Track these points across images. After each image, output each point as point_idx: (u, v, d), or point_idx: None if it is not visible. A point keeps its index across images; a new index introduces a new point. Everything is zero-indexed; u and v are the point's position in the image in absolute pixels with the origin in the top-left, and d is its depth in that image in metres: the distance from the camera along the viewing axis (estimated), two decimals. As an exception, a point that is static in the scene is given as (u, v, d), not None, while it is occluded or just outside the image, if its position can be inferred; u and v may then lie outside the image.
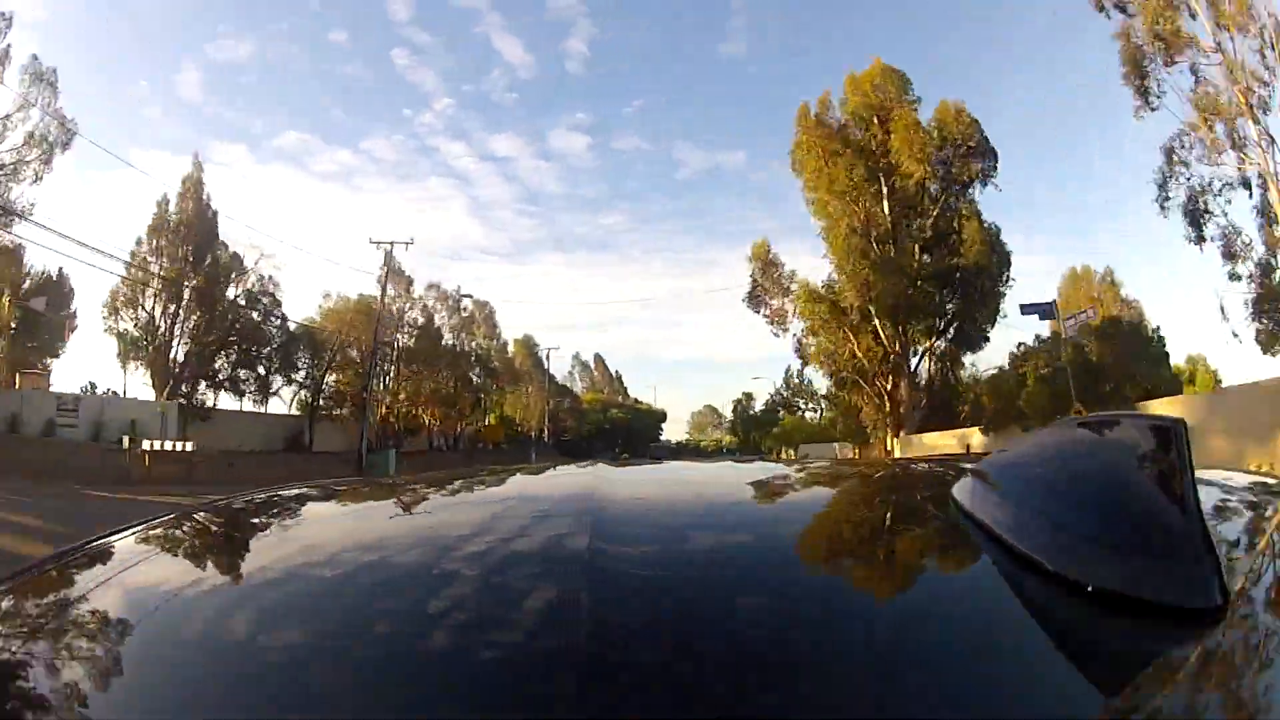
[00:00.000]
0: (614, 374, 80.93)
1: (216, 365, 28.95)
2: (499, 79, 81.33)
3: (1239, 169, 14.71)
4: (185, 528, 0.67)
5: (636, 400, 73.56)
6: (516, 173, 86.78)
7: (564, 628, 0.37)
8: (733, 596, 0.41)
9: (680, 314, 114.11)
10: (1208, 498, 0.40)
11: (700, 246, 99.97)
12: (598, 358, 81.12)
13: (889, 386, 23.10)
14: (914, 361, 24.24)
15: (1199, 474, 0.38)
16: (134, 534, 0.63)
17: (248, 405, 31.39)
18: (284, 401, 33.47)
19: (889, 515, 0.61)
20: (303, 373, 33.56)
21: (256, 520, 0.69)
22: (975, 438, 18.99)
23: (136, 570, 0.55)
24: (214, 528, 0.68)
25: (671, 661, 0.34)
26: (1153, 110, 15.77)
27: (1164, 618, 0.34)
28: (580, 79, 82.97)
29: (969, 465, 0.57)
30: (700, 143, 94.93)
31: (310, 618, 0.42)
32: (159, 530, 0.65)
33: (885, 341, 22.56)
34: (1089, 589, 0.35)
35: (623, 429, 66.67)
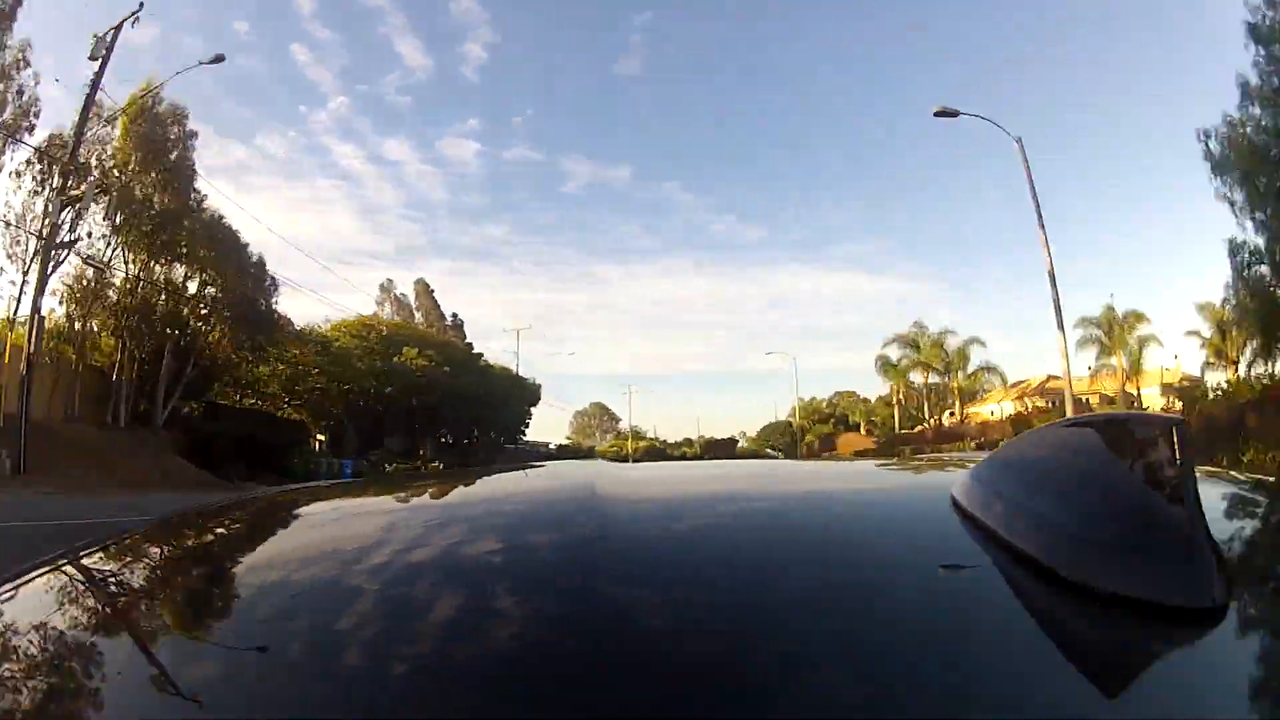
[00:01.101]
0: (450, 317, 43.50)
1: None
2: (395, 81, 77.97)
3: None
4: (187, 527, 0.70)
5: (484, 360, 36.74)
6: (404, 177, 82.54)
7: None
8: (729, 597, 0.41)
9: (561, 327, 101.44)
10: (1208, 497, 0.41)
11: (583, 260, 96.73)
12: (421, 285, 43.67)
13: None
14: None
15: (1199, 474, 0.38)
16: (136, 537, 0.67)
17: None
18: None
19: (888, 514, 0.62)
20: None
21: (247, 524, 0.69)
22: None
23: (147, 569, 0.57)
24: (213, 529, 0.69)
25: (669, 659, 0.34)
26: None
27: (1164, 618, 0.34)
28: (474, 86, 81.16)
29: (969, 465, 0.56)
30: (587, 157, 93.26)
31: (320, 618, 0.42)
32: (164, 530, 0.68)
33: None
34: (1089, 589, 0.35)
35: (451, 404, 29.95)
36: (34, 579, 0.55)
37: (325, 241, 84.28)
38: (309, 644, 0.39)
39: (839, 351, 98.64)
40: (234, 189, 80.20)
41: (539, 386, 39.29)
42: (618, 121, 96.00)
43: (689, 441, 76.84)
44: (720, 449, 72.08)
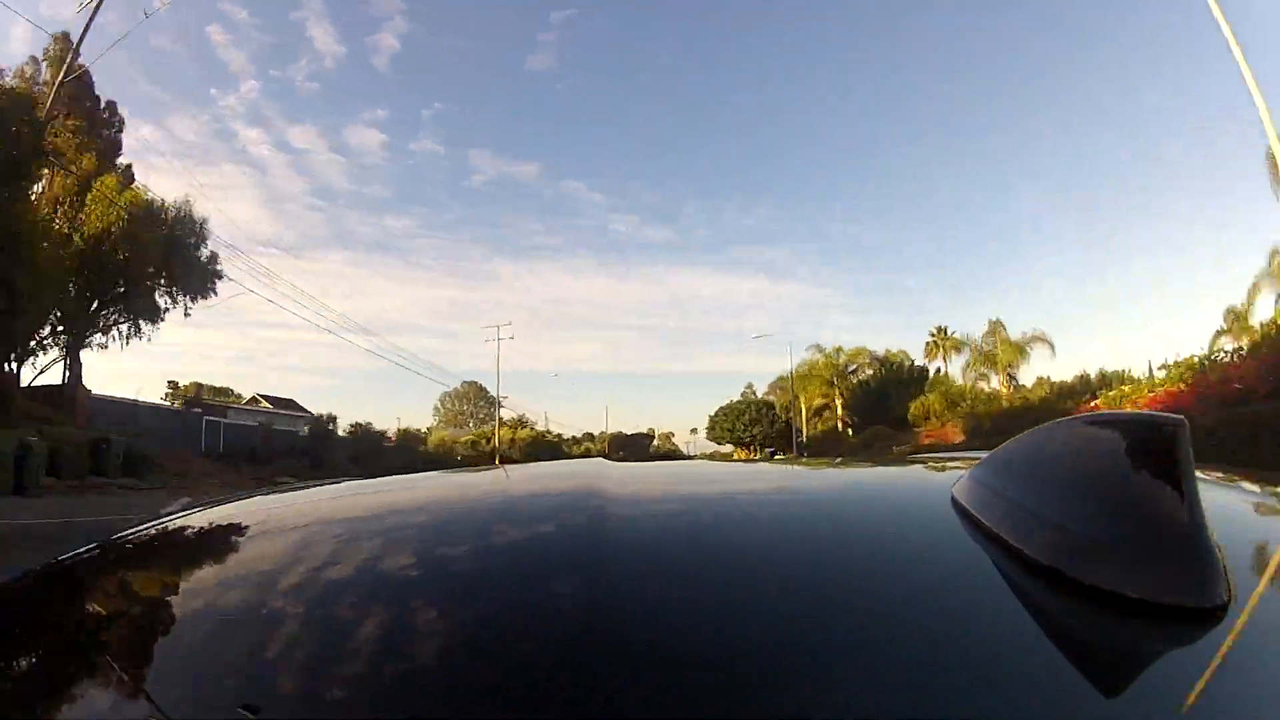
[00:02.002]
0: (105, 107, 17.74)
1: None
2: (307, 67, 68.08)
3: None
4: (189, 526, 0.68)
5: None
6: (310, 165, 72.19)
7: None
8: (729, 595, 0.42)
9: (458, 323, 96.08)
10: (1208, 497, 0.41)
11: (486, 258, 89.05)
12: (57, 49, 17.74)
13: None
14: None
15: (1199, 473, 0.38)
16: (142, 532, 0.66)
17: None
18: None
19: (888, 514, 0.62)
20: None
21: (247, 523, 0.68)
22: None
23: (147, 567, 0.57)
24: (221, 527, 0.68)
25: (667, 657, 0.34)
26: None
27: (1164, 618, 0.34)
28: (385, 76, 71.97)
29: (969, 465, 0.57)
30: (494, 152, 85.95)
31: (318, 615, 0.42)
32: (166, 528, 0.67)
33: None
34: (1090, 589, 0.35)
35: None
36: (35, 577, 0.56)
37: (223, 227, 73.30)
38: (308, 645, 0.38)
39: (740, 355, 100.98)
40: (142, 170, 61.50)
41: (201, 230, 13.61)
42: (527, 118, 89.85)
43: (591, 436, 56.99)
44: (630, 446, 54.75)
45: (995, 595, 0.39)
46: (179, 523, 0.68)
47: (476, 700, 0.32)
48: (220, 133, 71.54)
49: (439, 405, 62.09)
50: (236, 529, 0.64)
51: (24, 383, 14.50)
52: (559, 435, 53.45)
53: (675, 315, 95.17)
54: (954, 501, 0.50)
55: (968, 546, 0.45)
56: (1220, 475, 0.73)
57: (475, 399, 63.41)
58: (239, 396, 36.95)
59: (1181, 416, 0.38)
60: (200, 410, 22.70)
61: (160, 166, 71.55)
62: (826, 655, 0.35)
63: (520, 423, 50.94)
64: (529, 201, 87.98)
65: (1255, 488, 0.71)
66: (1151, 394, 15.98)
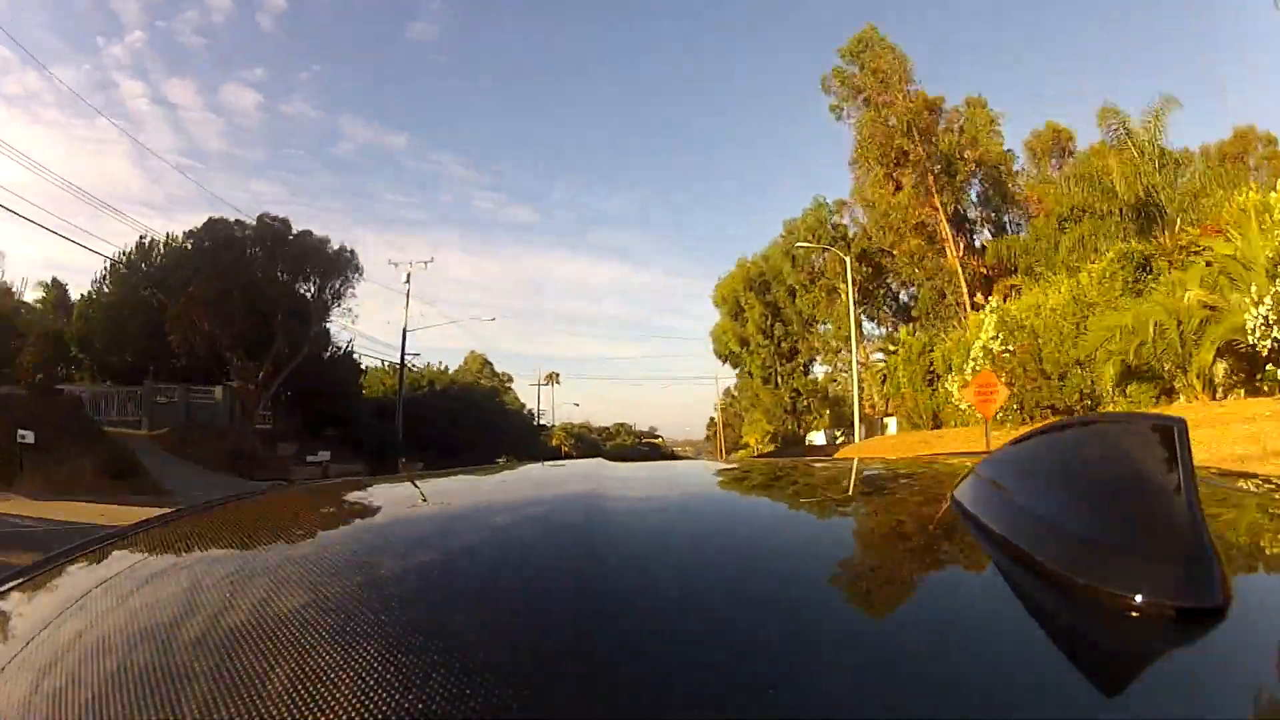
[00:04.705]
0: None
1: None
2: (192, 20, 67.36)
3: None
4: (192, 526, 0.68)
5: None
6: (185, 123, 72.70)
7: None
8: (729, 596, 0.42)
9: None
10: (1208, 497, 0.41)
11: (348, 228, 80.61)
12: None
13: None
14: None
15: (1199, 473, 0.39)
16: (142, 533, 0.65)
17: None
18: None
19: (890, 515, 0.62)
20: None
21: (254, 518, 0.69)
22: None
23: (151, 568, 0.56)
24: (222, 526, 0.68)
25: (670, 657, 0.35)
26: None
27: (1164, 618, 0.34)
28: (267, 34, 74.01)
29: (969, 465, 0.57)
30: (367, 120, 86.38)
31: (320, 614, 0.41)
32: (167, 529, 0.66)
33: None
34: (1091, 589, 0.36)
35: None
36: (34, 578, 0.56)
37: (98, 184, 75.62)
38: (314, 646, 0.38)
39: (605, 341, 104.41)
40: (28, 120, 68.36)
41: None
42: (401, 87, 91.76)
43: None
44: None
45: (995, 596, 0.39)
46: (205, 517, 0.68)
47: (476, 700, 0.32)
48: (102, 83, 67.99)
49: None
50: (243, 529, 0.65)
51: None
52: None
53: (533, 296, 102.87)
54: (955, 502, 0.50)
55: (968, 547, 0.45)
56: (1220, 475, 0.74)
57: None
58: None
59: (1182, 417, 0.38)
60: None
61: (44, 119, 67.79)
62: (825, 656, 0.35)
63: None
64: (395, 172, 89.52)
65: (1255, 488, 0.72)
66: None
